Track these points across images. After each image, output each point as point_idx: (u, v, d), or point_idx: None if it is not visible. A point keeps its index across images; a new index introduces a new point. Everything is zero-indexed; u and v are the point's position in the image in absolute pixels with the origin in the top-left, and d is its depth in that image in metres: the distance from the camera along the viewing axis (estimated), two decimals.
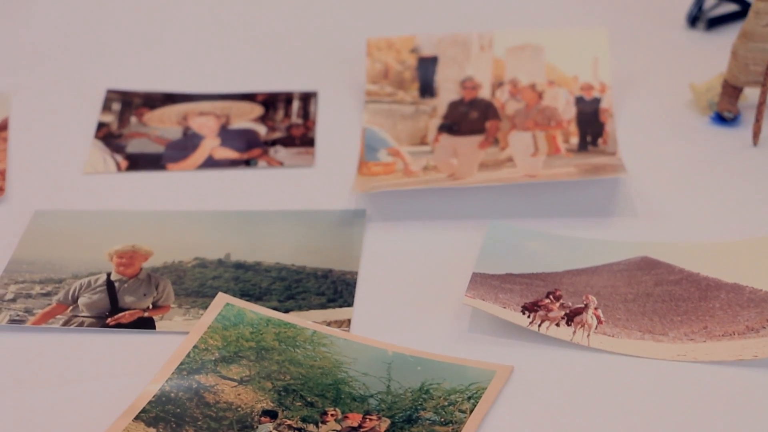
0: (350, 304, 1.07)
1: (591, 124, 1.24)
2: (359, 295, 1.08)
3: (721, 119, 1.25)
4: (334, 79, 1.33)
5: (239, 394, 0.98)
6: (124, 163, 1.24)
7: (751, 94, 1.26)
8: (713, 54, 1.31)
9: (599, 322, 1.03)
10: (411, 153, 1.23)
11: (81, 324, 1.05)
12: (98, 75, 1.34)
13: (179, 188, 1.21)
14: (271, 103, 1.31)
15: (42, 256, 1.12)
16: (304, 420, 0.96)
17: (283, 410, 0.97)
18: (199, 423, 0.96)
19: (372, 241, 1.14)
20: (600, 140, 1.22)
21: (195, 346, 1.02)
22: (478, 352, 1.01)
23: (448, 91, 1.28)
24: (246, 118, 1.30)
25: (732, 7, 1.39)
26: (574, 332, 1.02)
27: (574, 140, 1.23)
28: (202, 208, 1.18)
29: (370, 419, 0.96)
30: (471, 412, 0.96)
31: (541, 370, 1.00)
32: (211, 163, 1.24)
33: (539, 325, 1.03)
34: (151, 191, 1.21)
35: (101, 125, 1.29)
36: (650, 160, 1.21)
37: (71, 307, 1.07)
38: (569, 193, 1.17)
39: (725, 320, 1.03)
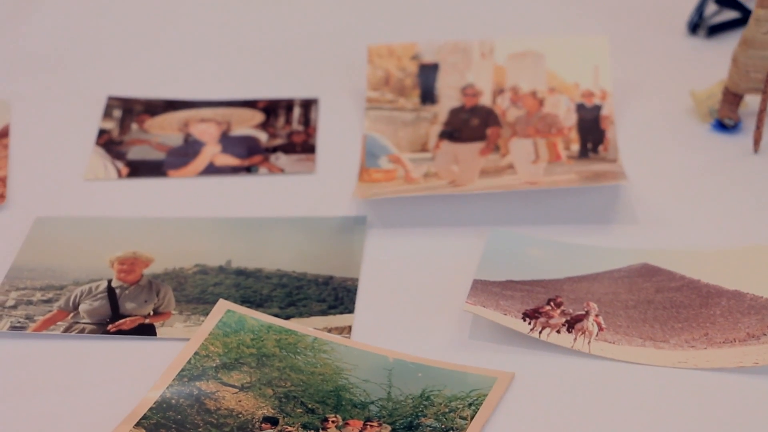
0: (351, 311, 1.07)
1: (592, 131, 1.24)
2: (360, 301, 1.08)
3: (721, 126, 1.25)
4: (335, 86, 1.33)
5: (240, 401, 0.98)
6: (125, 170, 1.24)
7: (752, 102, 1.26)
8: (714, 61, 1.31)
9: (600, 329, 1.03)
10: (412, 160, 1.23)
11: (82, 330, 1.05)
12: (99, 82, 1.35)
13: (180, 195, 1.21)
14: (272, 109, 1.31)
15: (43, 263, 1.12)
16: (305, 427, 0.96)
17: (284, 417, 0.97)
18: (200, 430, 0.96)
19: (373, 247, 1.14)
20: (601, 147, 1.23)
21: (196, 353, 1.02)
22: (479, 358, 1.01)
23: (449, 98, 1.28)
24: (247, 124, 1.30)
25: (733, 15, 1.39)
26: (575, 339, 1.02)
27: (575, 147, 1.23)
28: (203, 215, 1.18)
29: (371, 426, 0.96)
30: (472, 418, 0.96)
31: (542, 377, 1.00)
32: (212, 169, 1.24)
33: (540, 332, 1.03)
34: (152, 198, 1.21)
35: (102, 132, 1.29)
36: (651, 167, 1.21)
37: (72, 314, 1.07)
38: (570, 200, 1.17)
39: (726, 327, 1.03)
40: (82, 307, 1.08)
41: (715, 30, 1.38)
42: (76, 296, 1.09)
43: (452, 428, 0.95)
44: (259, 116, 1.31)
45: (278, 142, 1.27)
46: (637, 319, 1.05)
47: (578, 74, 1.27)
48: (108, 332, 1.05)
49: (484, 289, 1.06)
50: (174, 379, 0.99)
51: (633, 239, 1.13)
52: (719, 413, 0.96)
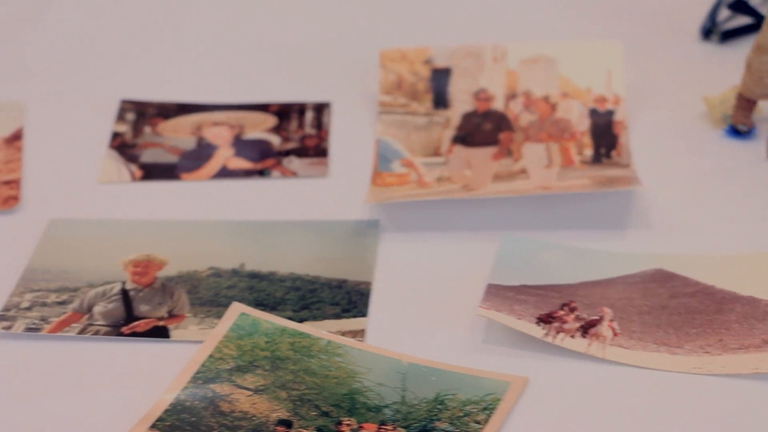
0: (364, 315, 1.07)
1: (605, 136, 1.24)
2: (373, 305, 1.08)
3: (735, 132, 1.25)
4: (348, 90, 1.33)
5: (254, 404, 0.98)
6: (138, 173, 1.24)
7: (766, 107, 1.26)
8: (727, 66, 1.31)
9: (614, 334, 1.03)
10: (424, 164, 1.23)
11: (96, 332, 1.06)
12: (113, 85, 1.35)
13: (193, 198, 1.21)
14: (285, 113, 1.32)
15: (57, 265, 1.12)
16: (319, 430, 0.96)
17: (298, 420, 0.97)
18: None
19: (386, 251, 1.14)
20: (614, 152, 1.23)
21: (210, 356, 1.02)
22: (493, 363, 1.01)
23: (461, 103, 1.28)
24: (259, 128, 1.30)
25: (746, 20, 1.39)
26: (590, 344, 1.02)
27: (588, 152, 1.23)
28: (216, 218, 1.18)
29: (385, 429, 0.96)
30: (486, 423, 0.96)
31: (556, 382, 1.00)
32: (225, 173, 1.24)
33: (554, 337, 1.03)
34: (166, 201, 1.21)
35: (116, 135, 1.29)
36: (664, 173, 1.21)
37: (86, 316, 1.07)
38: (583, 205, 1.17)
39: (741, 333, 1.03)
40: (96, 309, 1.08)
41: (729, 35, 1.38)
42: (90, 298, 1.09)
43: None
44: (271, 120, 1.31)
45: (291, 145, 1.28)
46: (651, 325, 1.05)
47: (591, 79, 1.27)
48: (122, 334, 1.05)
49: (498, 294, 1.06)
50: (188, 382, 0.99)
51: (647, 244, 1.13)
52: (734, 419, 0.96)
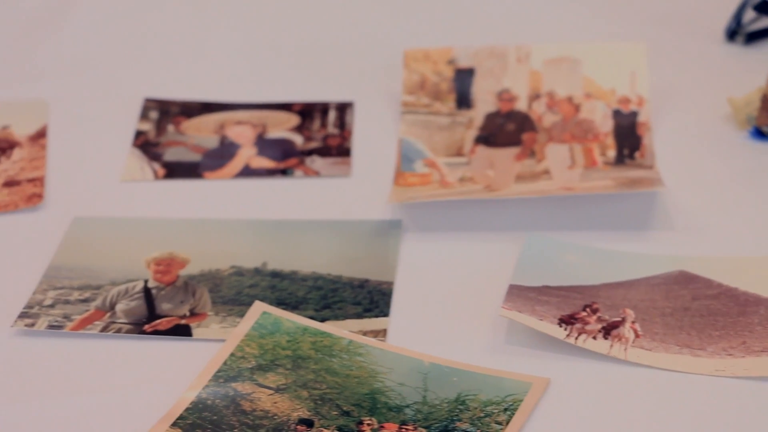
0: (386, 314, 1.07)
1: (628, 137, 1.24)
2: (395, 305, 1.08)
3: (759, 134, 1.24)
4: (371, 89, 1.33)
5: (276, 402, 0.98)
6: (161, 171, 1.25)
7: None
8: (752, 68, 1.30)
9: (636, 335, 1.03)
10: (447, 164, 1.23)
11: (118, 330, 1.06)
12: (136, 83, 1.35)
13: (216, 197, 1.21)
14: (308, 113, 1.32)
15: (80, 263, 1.13)
16: (340, 429, 0.96)
17: (319, 419, 0.97)
18: (236, 430, 0.96)
19: (408, 251, 1.14)
20: (637, 153, 1.22)
21: (232, 354, 1.02)
22: (514, 364, 1.01)
23: (484, 103, 1.28)
24: (282, 127, 1.30)
25: None
26: (612, 345, 1.02)
27: (611, 153, 1.23)
28: (239, 217, 1.18)
29: (406, 429, 0.96)
30: (507, 423, 0.96)
31: (577, 383, 0.99)
32: (247, 172, 1.25)
33: (576, 338, 1.03)
34: (188, 199, 1.21)
35: (139, 133, 1.29)
36: (688, 174, 1.20)
37: (109, 314, 1.07)
38: (606, 206, 1.16)
39: (764, 336, 1.02)
40: (118, 307, 1.08)
41: (754, 37, 1.37)
42: (113, 296, 1.09)
43: None
44: (294, 119, 1.31)
45: (314, 145, 1.28)
46: (673, 327, 1.04)
47: (615, 80, 1.27)
48: (144, 332, 1.06)
49: (520, 295, 1.06)
50: (210, 380, 1.00)
51: (670, 246, 1.12)
52: (756, 422, 0.96)
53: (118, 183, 1.23)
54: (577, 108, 1.26)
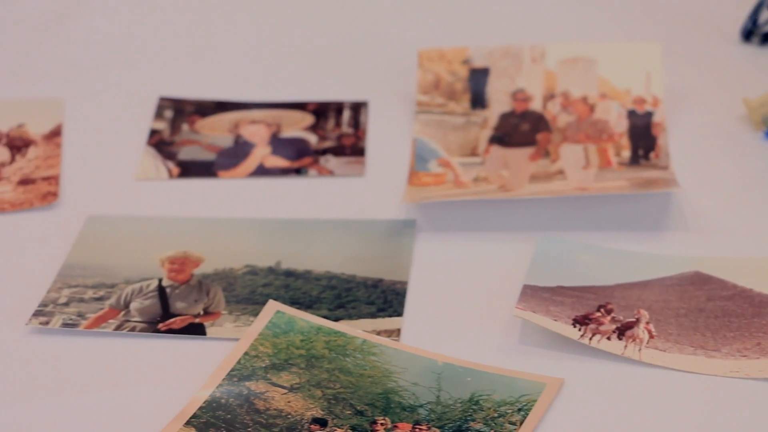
0: (400, 314, 1.07)
1: (643, 137, 1.23)
2: (409, 304, 1.08)
3: None
4: (385, 89, 1.33)
5: (289, 402, 0.98)
6: (175, 170, 1.25)
7: None
8: None
9: (651, 336, 1.03)
10: (461, 164, 1.23)
11: (133, 329, 1.06)
12: (151, 82, 1.35)
13: (230, 196, 1.22)
14: (322, 112, 1.32)
15: (95, 261, 1.13)
16: (353, 429, 0.96)
17: (332, 418, 0.97)
18: (250, 429, 0.96)
19: (422, 251, 1.14)
20: (652, 154, 1.22)
21: (245, 353, 1.02)
22: (528, 364, 1.01)
23: (499, 103, 1.28)
24: (297, 127, 1.30)
25: None
26: (626, 346, 1.02)
27: (626, 154, 1.22)
28: (253, 216, 1.18)
29: (420, 429, 0.96)
30: (521, 424, 0.96)
31: (591, 384, 0.99)
32: (261, 171, 1.25)
33: (590, 339, 1.02)
34: (203, 198, 1.21)
35: (153, 132, 1.30)
36: (703, 175, 1.20)
37: (123, 312, 1.08)
38: (620, 206, 1.16)
39: None
40: (133, 306, 1.08)
41: None
42: (127, 295, 1.09)
43: None
44: (308, 118, 1.31)
45: (328, 144, 1.28)
46: (688, 328, 1.04)
47: (630, 80, 1.26)
48: (158, 331, 1.06)
49: (534, 295, 1.06)
50: (224, 379, 1.00)
51: (684, 247, 1.12)
52: None
53: (132, 182, 1.23)
54: (591, 108, 1.26)
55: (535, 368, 1.00)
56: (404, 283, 1.10)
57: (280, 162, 1.26)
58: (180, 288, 1.10)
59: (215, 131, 1.30)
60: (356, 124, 1.30)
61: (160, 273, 1.12)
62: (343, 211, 1.19)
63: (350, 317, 1.07)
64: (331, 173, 1.24)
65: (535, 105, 1.27)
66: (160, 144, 1.28)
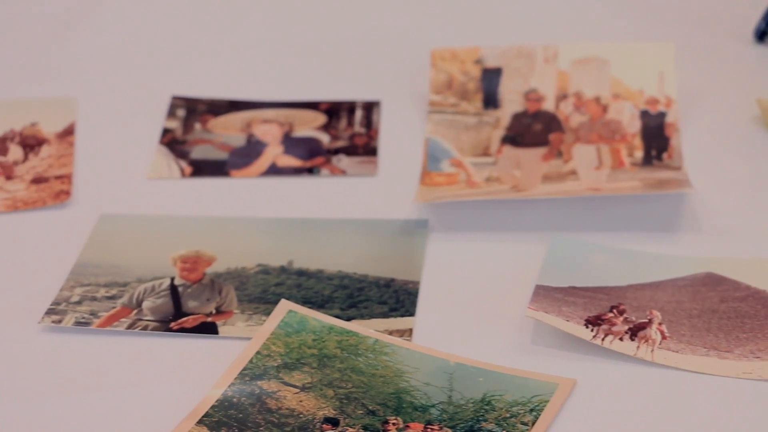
0: (412, 314, 1.07)
1: (656, 138, 1.23)
2: (421, 304, 1.08)
3: None
4: (398, 88, 1.33)
5: (301, 401, 0.98)
6: (188, 169, 1.25)
7: None
8: None
9: (663, 337, 1.03)
10: (474, 164, 1.23)
11: (145, 328, 1.06)
12: (164, 81, 1.36)
13: (242, 195, 1.22)
14: (334, 111, 1.32)
15: (107, 260, 1.13)
16: (365, 428, 0.96)
17: (344, 418, 0.97)
18: (261, 428, 0.96)
19: (434, 251, 1.14)
20: (665, 155, 1.22)
21: (258, 352, 1.02)
22: (540, 364, 1.01)
23: (511, 103, 1.28)
24: (309, 126, 1.30)
25: None
26: (638, 347, 1.02)
27: (639, 154, 1.22)
28: (265, 215, 1.19)
29: (432, 429, 0.96)
30: (533, 424, 0.96)
31: (604, 384, 0.99)
32: (274, 170, 1.25)
33: (602, 339, 1.02)
34: (215, 197, 1.21)
35: (166, 131, 1.30)
36: (715, 176, 1.20)
37: (135, 311, 1.08)
38: (633, 207, 1.16)
39: None
40: (145, 305, 1.08)
41: None
42: (139, 293, 1.09)
43: None
44: (321, 118, 1.31)
45: (340, 143, 1.28)
46: (700, 329, 1.04)
47: (643, 81, 1.26)
48: (170, 330, 1.06)
49: (546, 295, 1.06)
50: (236, 378, 1.00)
51: (697, 248, 1.12)
52: None
53: (145, 180, 1.23)
54: (604, 108, 1.26)
55: (548, 369, 1.00)
56: (416, 283, 1.10)
57: (292, 161, 1.26)
58: (192, 287, 1.10)
59: (228, 130, 1.30)
60: (369, 123, 1.30)
61: (173, 272, 1.12)
62: (355, 210, 1.19)
63: (362, 317, 1.07)
64: (343, 173, 1.24)
65: (548, 105, 1.27)
66: (173, 143, 1.28)
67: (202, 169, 1.25)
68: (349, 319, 1.06)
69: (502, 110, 1.27)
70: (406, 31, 1.42)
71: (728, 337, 1.03)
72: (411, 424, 0.96)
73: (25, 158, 1.26)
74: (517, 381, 0.99)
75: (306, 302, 1.08)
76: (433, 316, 1.07)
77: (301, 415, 0.97)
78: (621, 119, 1.25)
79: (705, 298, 1.07)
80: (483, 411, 0.97)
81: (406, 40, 1.40)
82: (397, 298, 1.09)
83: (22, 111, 1.32)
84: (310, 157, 1.26)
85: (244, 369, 1.01)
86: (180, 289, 1.10)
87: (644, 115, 1.25)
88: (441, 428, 0.96)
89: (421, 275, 1.11)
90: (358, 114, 1.31)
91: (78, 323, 1.06)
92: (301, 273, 1.12)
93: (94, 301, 1.09)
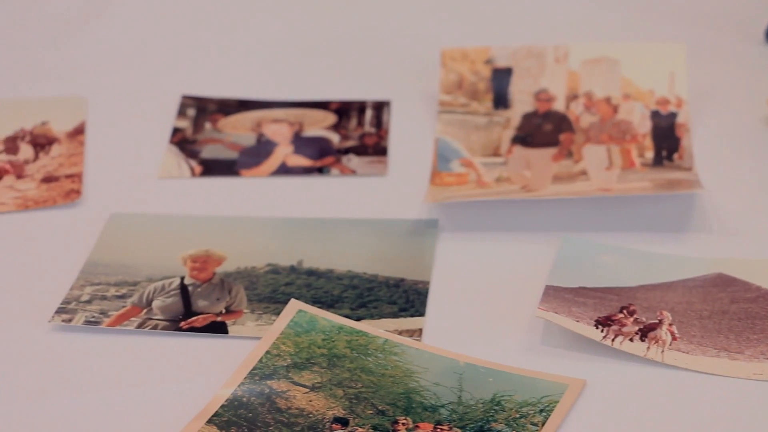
0: (422, 314, 1.07)
1: (667, 138, 1.23)
2: (431, 304, 1.08)
3: None
4: (408, 88, 1.33)
5: (311, 401, 0.98)
6: (198, 169, 1.25)
7: None
8: None
9: (674, 338, 1.02)
10: (484, 164, 1.23)
11: (155, 327, 1.06)
12: (174, 81, 1.36)
13: (252, 194, 1.22)
14: (345, 111, 1.32)
15: (117, 259, 1.13)
16: (375, 428, 0.96)
17: (354, 418, 0.97)
18: (271, 428, 0.96)
19: (444, 251, 1.13)
20: (676, 155, 1.21)
21: (267, 352, 1.02)
22: (550, 365, 1.01)
23: (522, 103, 1.27)
24: (319, 126, 1.30)
25: None
26: (648, 348, 1.02)
27: (649, 155, 1.22)
28: (275, 215, 1.19)
29: (441, 429, 0.96)
30: (543, 425, 0.96)
31: (614, 385, 0.99)
32: (284, 170, 1.25)
33: (613, 340, 1.02)
34: (225, 197, 1.21)
35: (176, 130, 1.30)
36: (726, 176, 1.20)
37: (145, 310, 1.08)
38: (643, 207, 1.16)
39: None
40: (155, 304, 1.08)
41: None
42: (149, 293, 1.09)
43: None
44: (331, 118, 1.31)
45: (350, 143, 1.28)
46: (711, 330, 1.04)
47: (654, 81, 1.26)
48: (180, 329, 1.06)
49: (556, 296, 1.06)
50: (245, 378, 1.00)
51: (708, 248, 1.12)
52: None
53: (155, 180, 1.24)
54: (615, 109, 1.26)
55: (557, 369, 1.00)
56: (426, 283, 1.10)
57: (302, 161, 1.26)
58: (202, 286, 1.10)
59: (238, 130, 1.30)
60: (379, 123, 1.30)
61: (183, 271, 1.12)
62: (365, 210, 1.19)
63: (372, 317, 1.07)
64: (353, 172, 1.24)
65: (558, 105, 1.27)
66: (183, 142, 1.28)
67: (212, 168, 1.25)
68: (358, 319, 1.06)
69: (513, 110, 1.27)
70: (417, 31, 1.42)
71: (739, 338, 1.03)
72: (420, 425, 0.96)
73: (36, 157, 1.26)
74: (527, 381, 0.99)
75: (316, 302, 1.08)
76: (443, 316, 1.07)
77: (311, 415, 0.97)
78: (631, 119, 1.25)
79: (715, 299, 1.07)
80: (493, 411, 0.97)
81: (416, 40, 1.40)
82: (406, 298, 1.09)
83: (32, 110, 1.32)
84: (320, 156, 1.26)
85: (254, 368, 1.01)
86: (190, 288, 1.10)
87: (655, 115, 1.25)
88: (450, 428, 0.96)
89: (431, 275, 1.11)
90: (369, 114, 1.31)
91: (88, 322, 1.06)
92: (311, 273, 1.12)
93: (104, 300, 1.09)
